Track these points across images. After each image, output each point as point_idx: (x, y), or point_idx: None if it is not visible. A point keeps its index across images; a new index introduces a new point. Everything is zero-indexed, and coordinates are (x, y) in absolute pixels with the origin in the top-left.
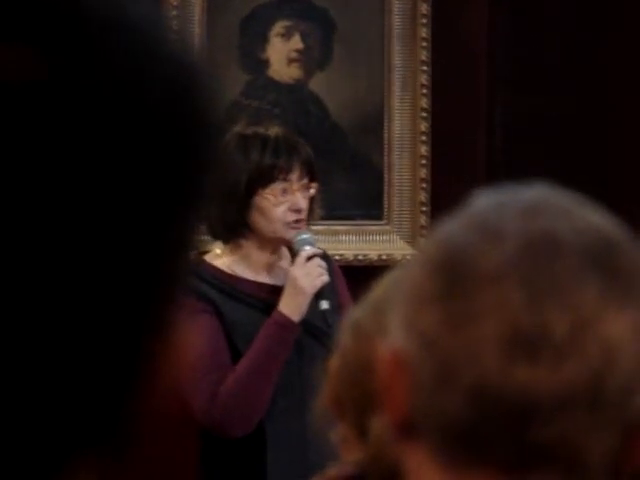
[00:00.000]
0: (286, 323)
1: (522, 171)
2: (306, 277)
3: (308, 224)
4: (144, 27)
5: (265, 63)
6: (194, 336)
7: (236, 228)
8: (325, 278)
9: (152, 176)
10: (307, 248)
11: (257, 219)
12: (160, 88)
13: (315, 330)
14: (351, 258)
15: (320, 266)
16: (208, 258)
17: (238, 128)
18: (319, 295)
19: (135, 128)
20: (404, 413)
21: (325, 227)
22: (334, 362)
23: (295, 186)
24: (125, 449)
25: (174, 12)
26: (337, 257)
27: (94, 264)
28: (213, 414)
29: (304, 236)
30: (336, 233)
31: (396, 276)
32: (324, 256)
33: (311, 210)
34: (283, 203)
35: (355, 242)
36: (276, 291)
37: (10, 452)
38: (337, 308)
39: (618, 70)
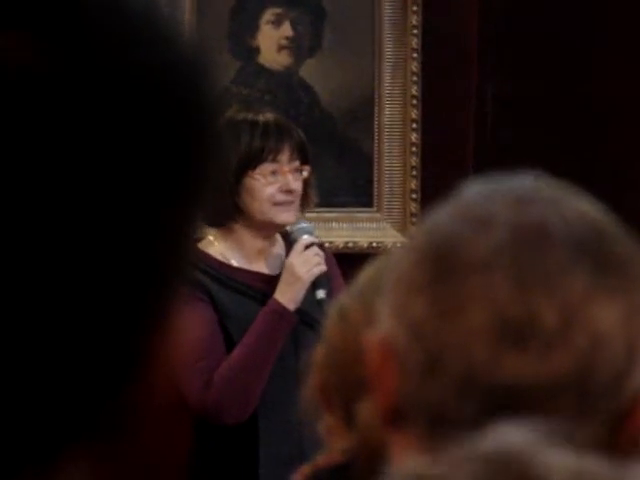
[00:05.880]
0: (282, 311)
1: (513, 159)
2: (303, 265)
3: (304, 212)
4: (142, 14)
5: (255, 50)
6: (189, 324)
7: (226, 210)
8: (322, 267)
9: (152, 165)
10: (305, 237)
11: (247, 200)
12: (160, 75)
13: (311, 320)
14: (341, 245)
15: (318, 255)
16: (201, 246)
17: (230, 113)
18: (316, 284)
19: (135, 116)
20: (393, 401)
21: (315, 214)
22: (320, 350)
23: (285, 167)
24: (121, 439)
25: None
26: (327, 244)
27: (92, 254)
28: (207, 401)
29: (303, 225)
30: (326, 220)
31: (382, 263)
32: (321, 246)
33: (306, 196)
34: (273, 184)
35: (345, 229)
36: (270, 281)
37: (3, 441)
38: (332, 298)
39: (609, 55)
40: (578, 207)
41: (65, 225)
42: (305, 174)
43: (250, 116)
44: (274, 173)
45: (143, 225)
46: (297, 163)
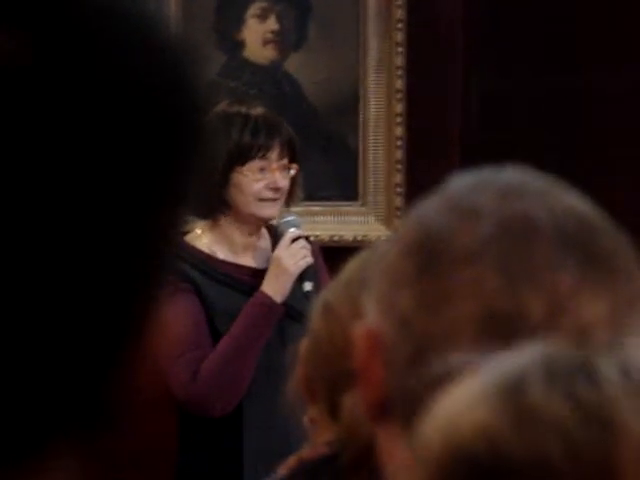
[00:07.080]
0: (269, 303)
1: (498, 153)
2: (290, 258)
3: (289, 207)
4: (130, 9)
5: (241, 44)
6: (175, 315)
7: (213, 204)
8: (309, 260)
9: (141, 164)
10: (292, 230)
11: (233, 194)
12: (150, 73)
13: (297, 313)
14: (326, 239)
15: (304, 247)
16: (189, 239)
17: (221, 106)
18: (302, 276)
19: (122, 114)
20: (379, 393)
21: (301, 208)
22: (305, 342)
23: (274, 165)
24: (108, 430)
25: None
26: (312, 238)
27: (79, 246)
28: (193, 392)
29: (289, 218)
30: (312, 214)
31: (366, 257)
32: (307, 239)
33: (292, 192)
34: (260, 180)
35: (330, 223)
36: (257, 274)
37: None
38: (318, 291)
39: (596, 52)
40: (565, 200)
41: (52, 221)
42: (292, 172)
43: (243, 110)
44: (262, 170)
45: (129, 219)
46: (286, 161)
